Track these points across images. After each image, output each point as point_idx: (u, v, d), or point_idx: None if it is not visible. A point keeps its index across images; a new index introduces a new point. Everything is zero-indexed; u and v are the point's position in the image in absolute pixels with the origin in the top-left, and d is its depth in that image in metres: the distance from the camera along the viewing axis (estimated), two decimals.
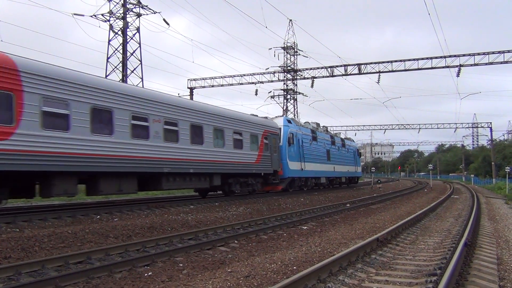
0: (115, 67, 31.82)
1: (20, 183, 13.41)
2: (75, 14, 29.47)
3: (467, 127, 79.11)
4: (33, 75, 12.55)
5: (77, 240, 10.01)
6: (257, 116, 26.58)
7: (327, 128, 40.00)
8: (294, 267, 7.80)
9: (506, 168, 41.22)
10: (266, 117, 27.67)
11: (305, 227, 13.52)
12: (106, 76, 30.85)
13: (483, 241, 10.92)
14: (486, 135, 76.98)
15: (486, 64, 35.43)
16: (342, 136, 44.09)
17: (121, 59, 31.86)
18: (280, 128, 27.48)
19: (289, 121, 29.30)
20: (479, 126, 74.77)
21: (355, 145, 48.85)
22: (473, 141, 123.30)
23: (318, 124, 36.26)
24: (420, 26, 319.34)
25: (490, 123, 66.46)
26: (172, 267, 8.05)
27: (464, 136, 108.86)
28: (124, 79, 30.96)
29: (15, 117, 11.91)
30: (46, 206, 17.85)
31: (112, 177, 15.26)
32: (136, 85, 27.28)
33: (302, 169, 29.80)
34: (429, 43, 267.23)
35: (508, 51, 34.73)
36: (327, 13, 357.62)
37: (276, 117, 29.41)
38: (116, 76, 31.47)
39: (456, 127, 69.03)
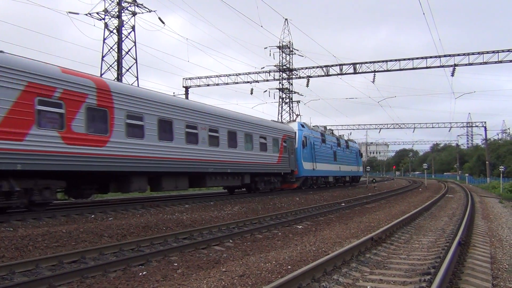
0: (110, 65, 31.76)
1: (104, 181, 16.23)
2: (70, 12, 29.37)
3: (461, 127, 79.14)
4: (120, 94, 15.86)
5: (72, 240, 9.97)
6: (277, 121, 30.51)
7: (332, 130, 42.49)
8: (289, 267, 7.80)
9: (500, 167, 41.52)
10: (282, 122, 31.60)
11: (300, 227, 13.53)
12: (101, 74, 30.70)
13: (477, 240, 10.96)
14: (481, 135, 77.41)
15: (480, 63, 35.58)
16: (345, 137, 46.89)
17: (116, 58, 31.75)
18: (295, 132, 30.47)
19: (302, 126, 32.28)
20: (473, 125, 75.14)
21: (357, 146, 51.16)
22: (467, 141, 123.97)
23: (325, 127, 39.32)
24: (414, 25, 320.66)
25: (485, 122, 67.00)
26: (166, 266, 8.03)
27: (458, 136, 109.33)
28: (119, 77, 30.82)
29: (109, 128, 15.22)
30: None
31: (171, 176, 18.54)
32: (131, 84, 28.00)
33: (314, 169, 32.79)
34: (423, 43, 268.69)
35: (503, 51, 34.88)
36: (322, 12, 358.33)
37: (291, 121, 33.38)
38: (111, 75, 31.37)
39: (451, 127, 69.37)
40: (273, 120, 29.96)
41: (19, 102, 12.33)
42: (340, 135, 45.11)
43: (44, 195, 13.41)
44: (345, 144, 43.35)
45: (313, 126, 35.89)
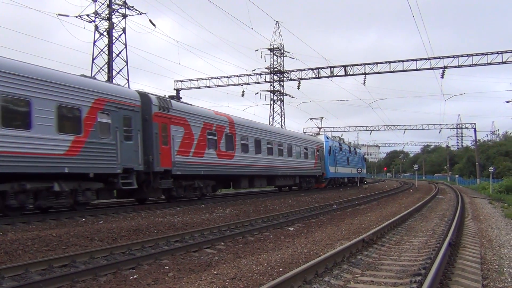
0: (101, 68, 31.35)
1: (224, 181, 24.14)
2: (60, 14, 28.97)
3: (451, 128, 79.72)
4: (238, 125, 23.92)
5: (62, 243, 9.89)
6: (312, 135, 41.37)
7: (343, 139, 50.27)
8: (280, 269, 7.80)
9: (490, 168, 41.78)
10: (313, 135, 42.08)
11: (292, 229, 13.54)
12: (92, 76, 30.37)
13: (467, 241, 11.03)
14: (470, 136, 77.84)
15: (470, 65, 35.78)
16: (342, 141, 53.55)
17: (106, 60, 31.39)
18: (323, 143, 39.69)
19: (327, 138, 41.70)
20: (463, 127, 75.53)
21: (362, 152, 61.86)
22: (457, 142, 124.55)
23: (339, 137, 48.08)
24: (403, 28, 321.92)
25: (474, 124, 67.08)
26: (158, 270, 8.00)
27: (448, 137, 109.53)
28: (109, 80, 30.51)
29: (234, 147, 23.06)
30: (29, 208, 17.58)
31: (259, 177, 26.66)
32: (123, 85, 28.14)
33: (335, 171, 41.93)
34: (412, 44, 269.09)
35: (491, 53, 35.13)
36: (312, 15, 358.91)
37: (319, 134, 42.94)
38: (102, 77, 30.99)
39: (441, 128, 69.73)
40: (309, 134, 42.81)
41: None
42: (349, 143, 53.24)
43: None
44: (354, 151, 52.15)
45: (333, 137, 44.58)
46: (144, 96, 17.52)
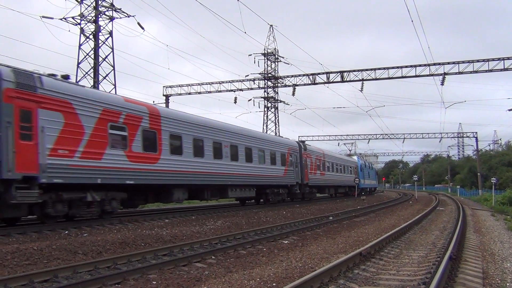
0: (86, 73, 30.35)
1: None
2: (43, 16, 27.93)
3: (452, 137, 79.09)
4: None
5: (43, 257, 9.55)
6: (351, 157, 55.84)
7: (363, 156, 70.02)
8: (274, 284, 7.62)
9: (492, 179, 41.26)
10: (350, 155, 59.02)
11: (286, 242, 13.18)
12: (77, 82, 29.69)
13: (469, 254, 10.81)
14: (472, 145, 77.04)
15: (470, 72, 35.41)
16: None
17: (92, 65, 30.48)
18: (356, 162, 54.18)
19: (358, 157, 58.21)
20: (464, 136, 75.01)
21: (375, 167, 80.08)
22: (458, 151, 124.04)
23: (361, 154, 65.52)
24: (399, 32, 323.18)
25: (476, 132, 66.56)
26: (144, 285, 7.74)
27: (449, 146, 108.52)
28: (95, 85, 29.70)
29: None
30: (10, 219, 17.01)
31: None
32: (109, 92, 28.12)
33: (364, 183, 55.16)
34: (410, 50, 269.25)
35: (493, 59, 34.77)
36: (307, 19, 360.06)
37: (353, 155, 59.46)
38: (87, 82, 30.03)
39: (441, 137, 69.12)
40: (348, 155, 59.41)
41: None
42: (366, 159, 71.27)
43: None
44: (370, 166, 65.51)
45: (358, 154, 60.18)
46: None
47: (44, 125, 13.19)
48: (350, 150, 67.40)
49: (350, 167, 49.40)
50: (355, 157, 56.36)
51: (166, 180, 18.12)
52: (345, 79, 38.95)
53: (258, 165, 26.06)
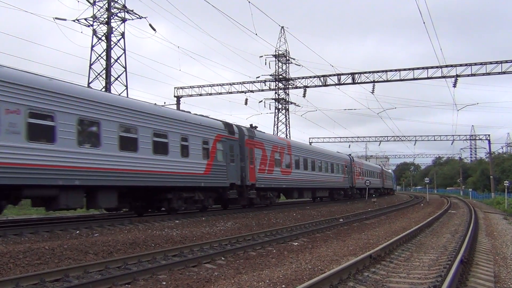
0: (98, 74, 30.49)
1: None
2: (56, 18, 28.08)
3: (464, 140, 78.32)
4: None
5: (55, 257, 9.62)
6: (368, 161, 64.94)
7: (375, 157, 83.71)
8: (283, 286, 7.58)
9: (505, 182, 40.71)
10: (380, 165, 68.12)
11: (296, 243, 13.14)
12: (89, 83, 29.80)
13: (480, 258, 10.67)
14: (485, 148, 76.25)
15: (483, 74, 34.80)
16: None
17: (104, 66, 30.61)
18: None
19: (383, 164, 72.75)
20: (477, 138, 74.25)
21: (392, 172, 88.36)
22: (471, 154, 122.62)
23: (372, 156, 77.37)
24: (406, 34, 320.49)
25: (488, 135, 65.83)
26: (154, 285, 7.75)
27: (461, 149, 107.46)
28: (107, 86, 29.77)
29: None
30: (23, 220, 17.30)
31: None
32: (121, 93, 29.07)
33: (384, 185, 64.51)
34: (418, 51, 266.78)
35: (506, 61, 34.21)
36: (319, 21, 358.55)
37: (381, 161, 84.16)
38: (99, 84, 30.22)
39: (453, 140, 68.47)
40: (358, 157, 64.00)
41: None
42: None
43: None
44: (390, 171, 76.44)
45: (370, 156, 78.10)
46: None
47: (256, 156, 24.38)
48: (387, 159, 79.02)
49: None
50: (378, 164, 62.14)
51: (293, 185, 30.28)
52: (356, 81, 38.59)
53: (328, 173, 38.38)
